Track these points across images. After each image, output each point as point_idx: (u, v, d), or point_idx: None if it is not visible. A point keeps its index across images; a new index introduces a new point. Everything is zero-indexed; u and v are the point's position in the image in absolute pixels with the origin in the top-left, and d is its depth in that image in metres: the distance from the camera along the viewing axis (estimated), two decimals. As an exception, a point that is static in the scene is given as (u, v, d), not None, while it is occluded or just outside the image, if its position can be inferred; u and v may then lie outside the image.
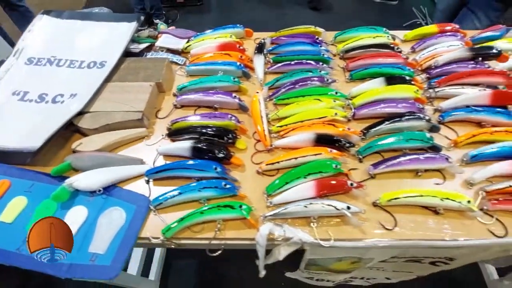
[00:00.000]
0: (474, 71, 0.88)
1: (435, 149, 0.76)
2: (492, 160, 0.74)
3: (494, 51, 0.91)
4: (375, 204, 0.69)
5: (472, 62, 0.92)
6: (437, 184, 0.73)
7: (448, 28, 1.06)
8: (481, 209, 0.68)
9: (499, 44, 0.99)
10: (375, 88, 0.88)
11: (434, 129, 0.80)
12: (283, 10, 3.55)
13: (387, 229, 0.66)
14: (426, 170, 0.74)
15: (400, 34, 1.11)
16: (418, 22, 3.17)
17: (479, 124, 0.83)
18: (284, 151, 0.79)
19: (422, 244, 0.64)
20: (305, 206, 0.65)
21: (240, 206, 0.65)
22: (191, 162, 0.72)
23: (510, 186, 0.68)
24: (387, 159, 0.73)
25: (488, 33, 1.05)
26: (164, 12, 3.27)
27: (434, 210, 0.68)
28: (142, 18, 1.07)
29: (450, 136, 0.82)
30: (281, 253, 0.66)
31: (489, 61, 0.94)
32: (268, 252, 0.68)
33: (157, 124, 0.87)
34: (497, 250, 0.67)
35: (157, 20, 3.27)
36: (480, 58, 0.91)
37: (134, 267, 1.39)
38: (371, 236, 0.65)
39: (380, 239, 0.65)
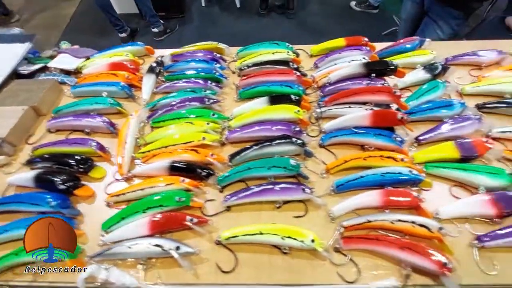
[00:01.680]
0: (359, 89, 0.81)
1: (303, 177, 0.70)
2: (361, 189, 0.67)
3: (390, 66, 0.84)
4: (217, 242, 0.62)
5: (368, 78, 0.86)
6: (297, 217, 0.66)
7: (357, 41, 0.99)
8: (336, 249, 0.60)
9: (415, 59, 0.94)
10: (256, 108, 0.82)
11: (307, 154, 0.73)
12: (263, 21, 3.52)
13: (223, 271, 0.59)
14: (287, 202, 0.67)
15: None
16: (398, 30, 3.11)
17: (362, 147, 0.76)
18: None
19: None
20: (129, 247, 0.58)
21: (60, 247, 0.59)
22: (26, 195, 0.67)
23: (369, 221, 0.61)
24: (241, 189, 0.67)
25: (399, 46, 0.99)
26: (162, 21, 3.16)
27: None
28: (37, 36, 1.05)
29: (330, 161, 0.74)
30: (110, 298, 0.60)
31: (388, 76, 0.87)
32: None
33: (26, 150, 0.82)
34: (350, 296, 0.59)
35: (155, 29, 3.24)
36: (374, 74, 0.85)
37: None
38: (206, 279, 0.58)
39: (216, 283, 0.58)
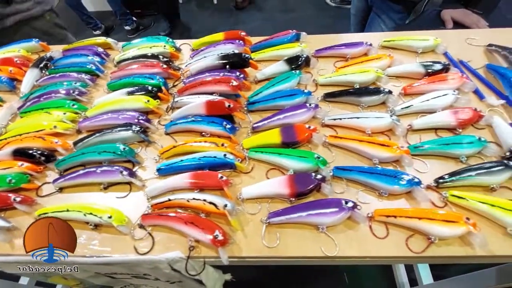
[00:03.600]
0: (204, 81, 0.86)
1: (135, 162, 0.76)
2: (182, 172, 0.72)
3: (242, 58, 0.89)
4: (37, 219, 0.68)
5: (224, 70, 0.91)
6: (120, 197, 0.72)
7: (234, 35, 1.04)
8: (140, 225, 0.66)
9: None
10: (113, 99, 0.88)
11: (146, 141, 0.79)
12: (240, 17, 3.55)
13: (34, 244, 0.65)
14: (116, 184, 0.73)
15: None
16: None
17: (201, 134, 0.81)
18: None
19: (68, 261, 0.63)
20: (-50, 222, 0.65)
21: None
22: None
23: (169, 199, 0.66)
24: (69, 172, 0.73)
25: (273, 40, 1.03)
26: (134, 19, 3.27)
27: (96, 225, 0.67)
28: None
29: (174, 147, 0.80)
30: None
31: (245, 68, 0.92)
32: None
33: None
34: (148, 267, 0.65)
35: (127, 26, 3.31)
36: (228, 66, 0.90)
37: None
38: (19, 250, 0.65)
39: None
